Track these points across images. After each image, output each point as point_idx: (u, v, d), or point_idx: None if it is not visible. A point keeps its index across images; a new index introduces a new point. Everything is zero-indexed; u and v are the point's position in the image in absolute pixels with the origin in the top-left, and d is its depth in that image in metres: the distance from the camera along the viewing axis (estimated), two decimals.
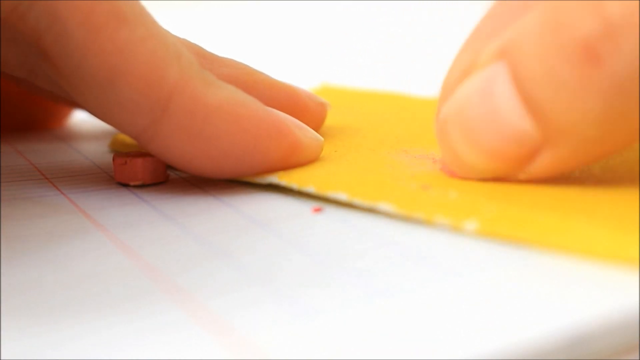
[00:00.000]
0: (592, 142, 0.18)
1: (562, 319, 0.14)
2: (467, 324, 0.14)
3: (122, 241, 0.19)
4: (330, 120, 0.27)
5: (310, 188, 0.21)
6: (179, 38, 0.23)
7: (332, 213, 0.20)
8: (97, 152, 0.27)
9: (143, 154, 0.23)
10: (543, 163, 0.19)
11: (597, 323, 0.14)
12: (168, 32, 0.21)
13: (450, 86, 0.21)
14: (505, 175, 0.20)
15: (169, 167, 0.24)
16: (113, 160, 0.23)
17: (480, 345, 0.13)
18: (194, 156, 0.21)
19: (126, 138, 0.27)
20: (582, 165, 0.19)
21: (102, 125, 0.31)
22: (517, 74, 0.19)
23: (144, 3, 0.21)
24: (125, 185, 0.23)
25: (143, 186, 0.23)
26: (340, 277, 0.16)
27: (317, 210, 0.20)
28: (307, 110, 0.25)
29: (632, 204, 0.18)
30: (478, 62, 0.20)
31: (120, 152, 0.24)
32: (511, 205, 0.18)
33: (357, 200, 0.20)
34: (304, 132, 0.22)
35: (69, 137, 0.30)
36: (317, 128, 0.25)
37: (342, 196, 0.20)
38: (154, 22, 0.21)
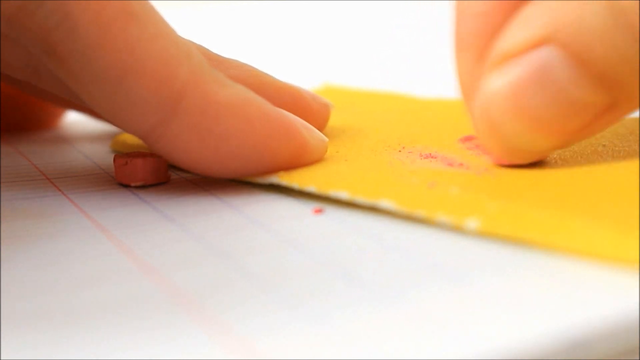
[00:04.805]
0: None
1: (563, 321, 0.14)
2: (468, 325, 0.14)
3: (122, 242, 0.19)
4: (332, 121, 0.27)
5: (311, 188, 0.21)
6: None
7: (333, 214, 0.20)
8: (98, 153, 0.27)
9: (144, 154, 0.23)
10: (603, 123, 0.21)
11: (597, 325, 0.14)
12: (176, 31, 0.21)
13: (470, 83, 0.22)
14: (570, 143, 0.22)
15: (170, 167, 0.24)
16: (114, 160, 0.23)
17: (480, 347, 0.13)
18: (202, 155, 0.21)
19: (127, 138, 0.27)
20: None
21: (103, 126, 0.31)
22: (577, 53, 0.20)
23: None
24: (126, 185, 0.23)
25: (144, 187, 0.23)
26: (341, 279, 0.16)
27: (318, 211, 0.20)
28: (311, 111, 0.25)
29: (634, 202, 0.18)
30: (509, 52, 0.20)
31: (121, 153, 0.24)
32: (513, 203, 0.18)
33: (358, 199, 0.20)
34: (311, 133, 0.22)
35: (70, 138, 0.30)
36: (320, 129, 0.25)
37: (343, 195, 0.20)
38: (163, 21, 0.21)
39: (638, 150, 0.22)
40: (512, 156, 0.21)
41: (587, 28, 0.20)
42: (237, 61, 0.25)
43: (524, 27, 0.21)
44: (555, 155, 0.23)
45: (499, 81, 0.21)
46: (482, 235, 0.18)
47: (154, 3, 0.21)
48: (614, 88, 0.20)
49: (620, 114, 0.21)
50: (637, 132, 0.24)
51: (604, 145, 0.23)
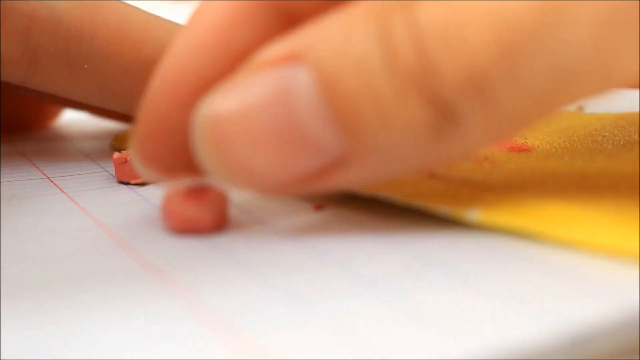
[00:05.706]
0: (405, 162, 0.17)
1: (563, 319, 0.14)
2: (467, 324, 0.14)
3: (122, 239, 0.19)
4: None
5: None
6: None
7: (333, 210, 0.20)
8: (98, 151, 0.27)
9: None
10: (343, 179, 0.17)
11: (597, 323, 0.14)
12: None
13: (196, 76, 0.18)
14: (292, 192, 0.17)
15: None
16: (113, 159, 0.23)
17: (480, 345, 0.13)
18: None
19: (127, 136, 0.27)
20: (384, 179, 0.18)
21: (103, 124, 0.31)
22: (327, 78, 0.16)
23: (147, 3, 0.21)
24: (125, 183, 0.23)
25: (143, 184, 0.23)
26: (341, 275, 0.16)
27: (319, 207, 0.20)
28: None
29: (635, 193, 0.18)
30: (255, 63, 0.17)
31: (120, 151, 0.24)
32: (513, 194, 0.18)
33: (358, 191, 0.20)
34: None
35: (70, 137, 0.30)
36: None
37: None
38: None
39: (638, 141, 0.22)
40: (236, 180, 0.17)
41: (348, 52, 0.16)
42: None
43: (284, 40, 0.17)
44: (554, 145, 0.23)
45: (234, 99, 0.17)
46: (483, 225, 0.18)
47: (156, 3, 0.21)
48: (353, 136, 0.16)
49: (347, 177, 0.17)
50: (637, 123, 0.24)
51: (604, 136, 0.23)
